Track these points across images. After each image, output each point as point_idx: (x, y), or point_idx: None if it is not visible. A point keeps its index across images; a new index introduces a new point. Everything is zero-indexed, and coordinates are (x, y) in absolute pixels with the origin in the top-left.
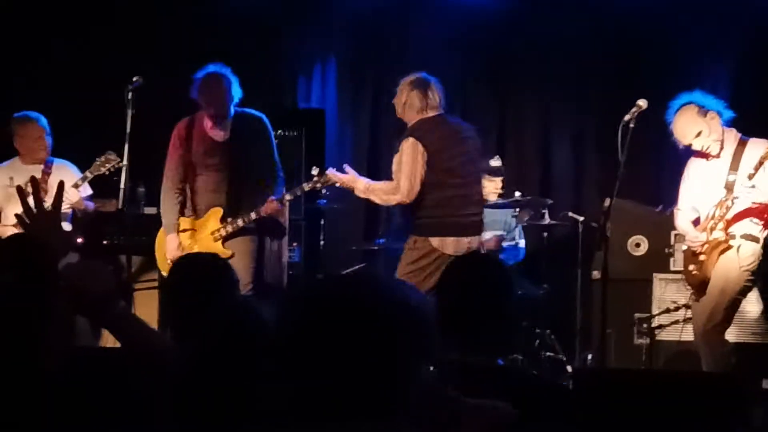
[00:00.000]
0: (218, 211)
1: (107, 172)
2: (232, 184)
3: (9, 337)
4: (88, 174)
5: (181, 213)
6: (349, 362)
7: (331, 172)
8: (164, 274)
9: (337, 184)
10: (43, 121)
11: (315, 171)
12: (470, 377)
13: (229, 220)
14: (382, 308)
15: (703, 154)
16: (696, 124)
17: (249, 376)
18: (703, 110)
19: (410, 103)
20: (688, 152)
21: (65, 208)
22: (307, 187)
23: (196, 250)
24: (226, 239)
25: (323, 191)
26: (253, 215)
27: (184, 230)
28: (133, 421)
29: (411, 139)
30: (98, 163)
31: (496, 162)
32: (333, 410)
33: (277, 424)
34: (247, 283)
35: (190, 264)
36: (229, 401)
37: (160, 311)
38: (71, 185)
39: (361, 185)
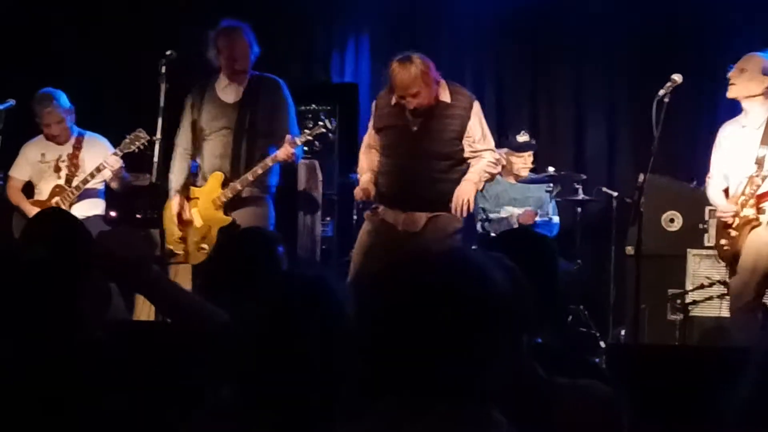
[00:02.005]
0: (219, 176)
1: (136, 150)
2: (237, 147)
3: (46, 310)
4: (117, 152)
5: (194, 181)
6: (444, 343)
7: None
8: (169, 247)
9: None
10: (63, 100)
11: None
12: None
13: (230, 185)
14: (478, 287)
15: (737, 121)
16: (746, 62)
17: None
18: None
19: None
20: (729, 118)
21: (107, 177)
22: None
23: (197, 218)
24: (233, 208)
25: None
26: (260, 170)
27: (191, 198)
28: (176, 389)
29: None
30: (128, 140)
31: (522, 137)
32: (427, 390)
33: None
34: None
35: (235, 240)
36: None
37: (194, 285)
38: (113, 154)
39: (472, 183)
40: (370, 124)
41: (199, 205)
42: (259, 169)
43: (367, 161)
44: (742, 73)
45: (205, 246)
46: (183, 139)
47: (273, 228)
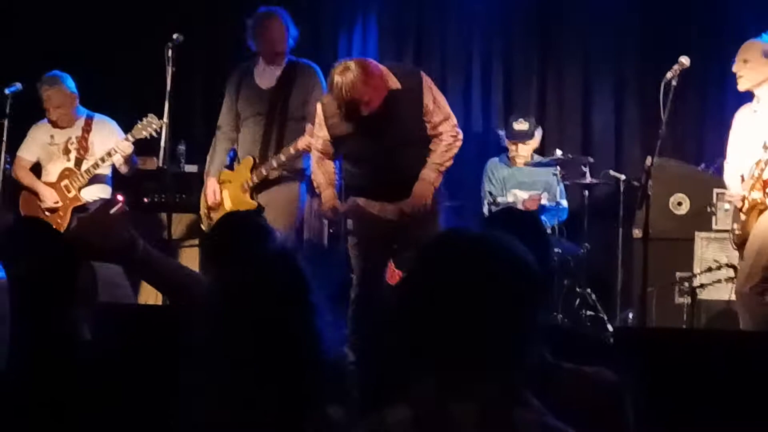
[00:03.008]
0: (249, 161)
1: (148, 136)
2: (269, 133)
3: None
4: (129, 137)
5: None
6: (471, 322)
7: (416, 196)
8: (202, 227)
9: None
10: (69, 83)
11: None
12: None
13: (257, 170)
14: (503, 266)
15: (748, 107)
16: (750, 51)
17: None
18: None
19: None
20: (732, 107)
21: (118, 162)
22: None
23: (227, 201)
24: (263, 190)
25: None
26: (283, 157)
27: (223, 181)
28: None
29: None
30: (140, 126)
31: (520, 125)
32: (469, 366)
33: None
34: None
35: (227, 223)
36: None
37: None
38: (124, 139)
39: (433, 173)
40: (318, 131)
41: (229, 188)
42: (282, 156)
43: (324, 174)
44: (745, 63)
45: None
46: (224, 122)
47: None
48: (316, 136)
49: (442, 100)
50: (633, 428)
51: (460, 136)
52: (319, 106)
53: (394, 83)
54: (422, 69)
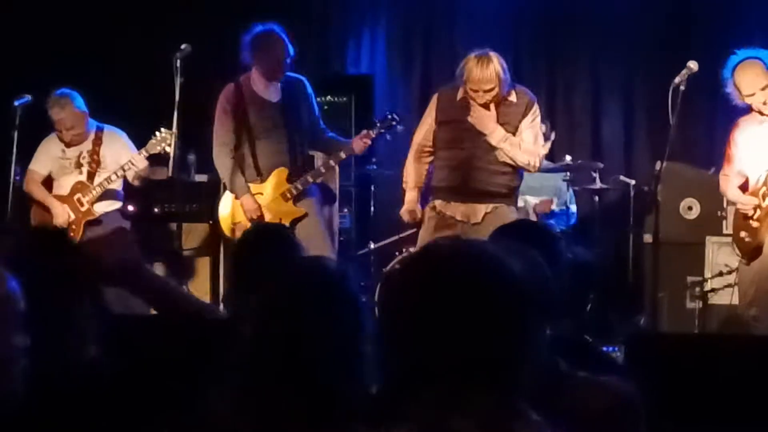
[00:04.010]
0: (283, 171)
1: (162, 152)
2: (293, 144)
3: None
4: (144, 152)
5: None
6: (465, 335)
7: (478, 111)
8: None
9: (470, 118)
10: (78, 102)
11: (388, 116)
12: None
13: (302, 177)
14: (490, 281)
15: (754, 117)
16: (763, 77)
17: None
18: None
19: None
20: (740, 111)
21: (131, 177)
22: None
23: (266, 214)
24: (295, 200)
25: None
26: (333, 162)
27: (254, 195)
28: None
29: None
30: (154, 141)
31: None
32: (449, 382)
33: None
34: (328, 251)
35: (259, 234)
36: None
37: (213, 278)
38: (139, 154)
39: (501, 132)
40: (427, 120)
41: (262, 200)
42: (332, 161)
43: (416, 173)
44: (745, 81)
45: None
46: (229, 139)
47: None
48: (419, 129)
49: (540, 134)
50: None
51: (533, 163)
52: (436, 96)
53: (512, 95)
54: (431, 78)
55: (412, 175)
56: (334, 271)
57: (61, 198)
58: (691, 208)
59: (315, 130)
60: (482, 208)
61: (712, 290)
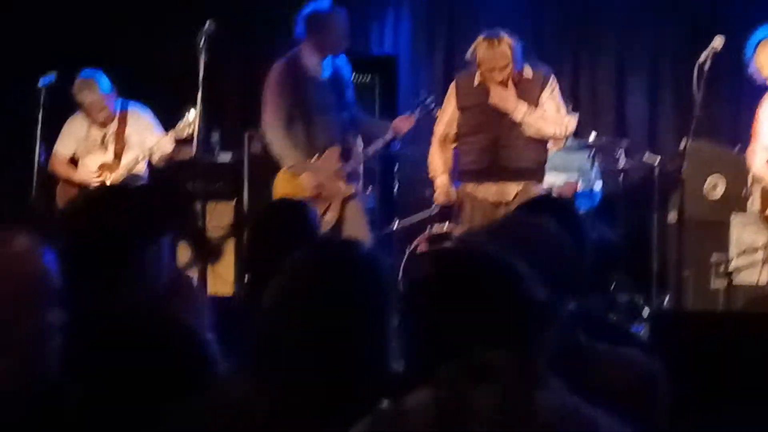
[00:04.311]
0: (336, 150)
1: (190, 136)
2: (344, 122)
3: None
4: (171, 134)
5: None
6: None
7: (497, 91)
8: None
9: (491, 100)
10: (104, 83)
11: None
12: None
13: (354, 157)
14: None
15: None
16: None
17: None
18: None
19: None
20: (765, 89)
21: (155, 160)
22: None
23: (322, 191)
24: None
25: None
26: (381, 142)
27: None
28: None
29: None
30: (182, 125)
31: None
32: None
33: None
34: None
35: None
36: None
37: (237, 256)
38: (166, 137)
39: (524, 107)
40: (447, 108)
41: (319, 177)
42: (381, 141)
43: (442, 160)
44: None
45: (329, 217)
46: (284, 115)
47: None
48: (440, 117)
49: (561, 105)
50: (667, 410)
51: (561, 131)
52: (454, 83)
53: (528, 72)
54: (455, 58)
55: (438, 162)
56: (366, 253)
57: (83, 177)
58: (716, 187)
59: (355, 110)
60: (513, 187)
61: (737, 269)
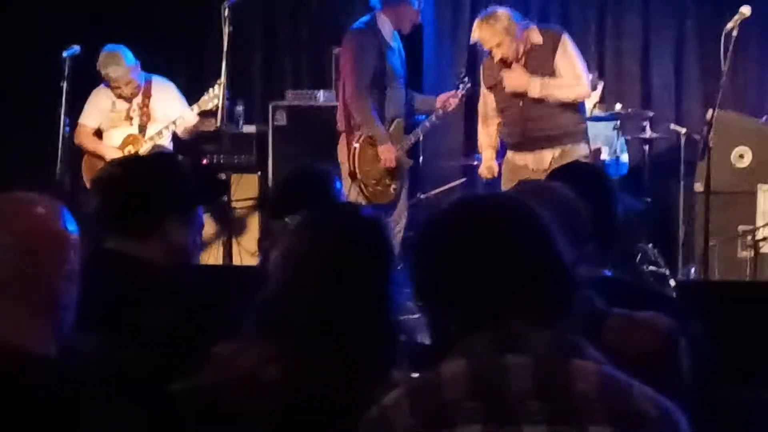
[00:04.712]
0: (401, 122)
1: (215, 108)
2: (408, 94)
3: None
4: (195, 108)
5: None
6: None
7: (507, 75)
8: (367, 188)
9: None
10: (128, 57)
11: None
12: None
13: (414, 130)
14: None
15: None
16: None
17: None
18: None
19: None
20: None
21: (180, 131)
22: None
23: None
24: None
25: None
26: (436, 118)
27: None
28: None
29: (567, 35)
30: (206, 98)
31: None
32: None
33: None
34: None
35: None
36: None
37: (261, 227)
38: (190, 110)
39: (537, 83)
40: (481, 91)
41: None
42: (434, 117)
43: (486, 136)
44: None
45: (394, 186)
46: (368, 82)
47: None
48: (480, 97)
49: (576, 62)
50: (687, 374)
51: (583, 92)
52: (483, 63)
53: (537, 38)
54: None
55: (482, 138)
56: (367, 217)
57: (109, 150)
58: (742, 156)
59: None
60: (548, 154)
61: (764, 239)
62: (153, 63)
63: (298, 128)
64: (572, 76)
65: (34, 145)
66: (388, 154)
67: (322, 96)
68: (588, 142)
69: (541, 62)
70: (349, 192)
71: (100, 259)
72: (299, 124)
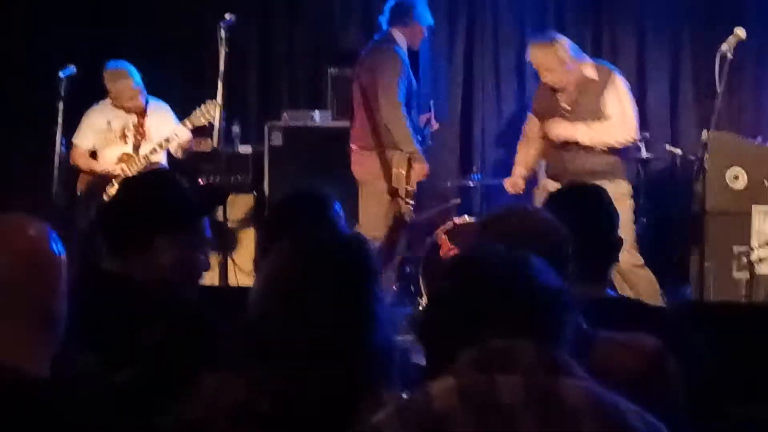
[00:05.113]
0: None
1: (207, 124)
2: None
3: None
4: (187, 123)
5: None
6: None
7: (553, 126)
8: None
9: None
10: (135, 75)
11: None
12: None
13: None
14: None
15: None
16: None
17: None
18: None
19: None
20: None
21: (174, 148)
22: None
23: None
24: None
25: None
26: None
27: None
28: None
29: (619, 74)
30: (198, 113)
31: None
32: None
33: None
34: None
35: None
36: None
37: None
38: (184, 126)
39: (585, 132)
40: (530, 114)
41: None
42: (429, 140)
43: (523, 155)
44: None
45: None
46: (403, 100)
47: None
48: (528, 118)
49: (627, 104)
50: (679, 393)
51: (630, 137)
52: (537, 90)
53: (592, 73)
54: (474, 47)
55: (519, 156)
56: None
57: (104, 167)
58: (737, 178)
59: None
60: None
61: (759, 260)
62: (150, 83)
63: (294, 148)
64: (620, 117)
65: (30, 164)
66: (424, 171)
67: (318, 116)
68: (628, 179)
69: (592, 98)
70: (386, 209)
71: (94, 280)
72: (295, 144)
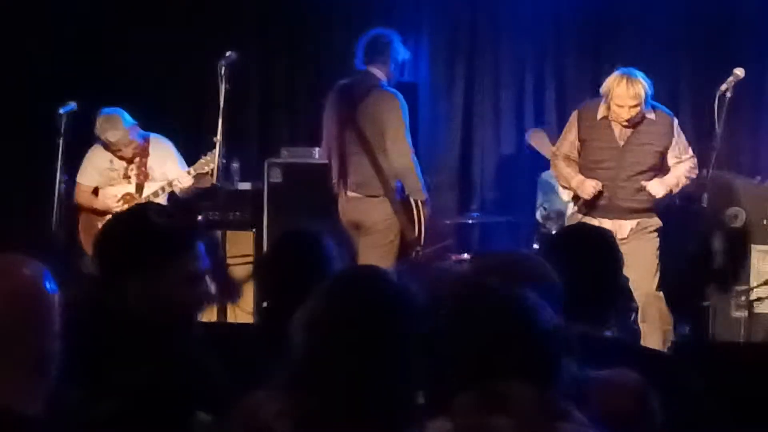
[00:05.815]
0: None
1: (210, 173)
2: None
3: None
4: (191, 171)
5: None
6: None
7: (651, 186)
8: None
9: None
10: (128, 121)
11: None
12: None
13: None
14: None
15: None
16: None
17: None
18: None
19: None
20: None
21: (179, 192)
22: None
23: None
24: None
25: None
26: None
27: None
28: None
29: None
30: (203, 161)
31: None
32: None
33: None
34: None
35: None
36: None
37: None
38: (186, 173)
39: (675, 182)
40: (568, 136)
41: None
42: None
43: (573, 169)
44: None
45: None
46: None
47: None
48: (561, 142)
49: (687, 145)
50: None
51: (696, 173)
52: (575, 114)
53: (650, 113)
54: (474, 87)
55: (569, 170)
56: (396, 281)
57: (105, 203)
58: (736, 217)
59: None
60: (628, 225)
61: (758, 299)
62: (150, 120)
63: (293, 185)
64: (689, 159)
65: (30, 200)
66: (428, 214)
67: (317, 153)
68: (659, 214)
69: (655, 137)
70: (394, 257)
71: (84, 314)
72: (295, 181)
